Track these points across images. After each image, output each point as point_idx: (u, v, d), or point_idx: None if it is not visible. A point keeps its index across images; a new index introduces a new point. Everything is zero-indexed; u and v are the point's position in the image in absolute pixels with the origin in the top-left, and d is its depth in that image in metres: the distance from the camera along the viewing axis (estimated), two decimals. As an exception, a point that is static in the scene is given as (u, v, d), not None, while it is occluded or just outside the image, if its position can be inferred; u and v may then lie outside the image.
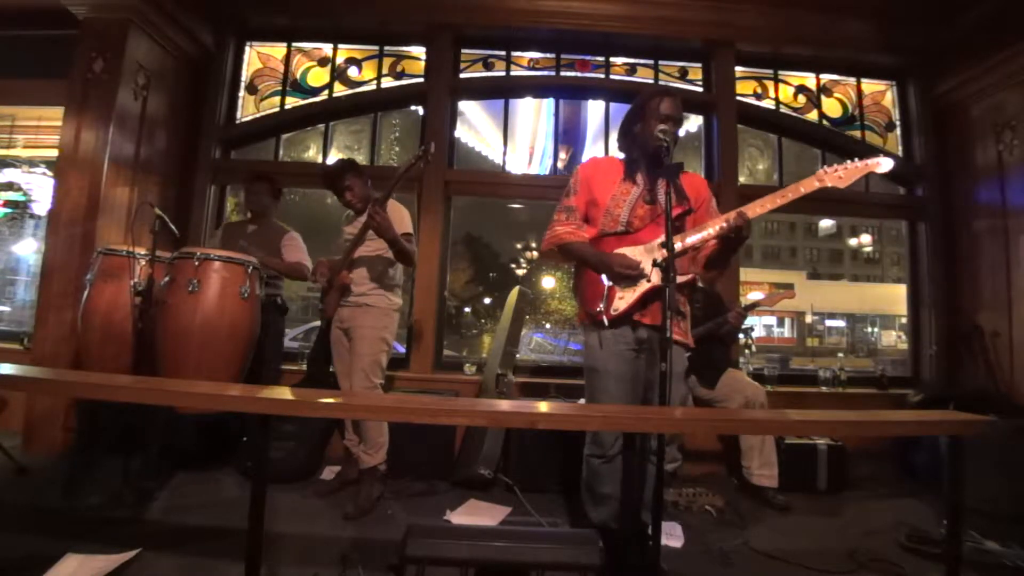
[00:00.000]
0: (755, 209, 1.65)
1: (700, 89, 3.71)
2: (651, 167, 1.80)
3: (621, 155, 1.93)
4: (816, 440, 2.74)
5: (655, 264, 1.69)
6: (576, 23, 3.53)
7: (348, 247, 2.38)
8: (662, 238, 1.68)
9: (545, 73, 3.73)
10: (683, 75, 3.74)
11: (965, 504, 1.46)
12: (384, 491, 2.40)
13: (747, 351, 3.59)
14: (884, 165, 1.58)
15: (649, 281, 1.71)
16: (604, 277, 1.76)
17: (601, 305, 1.74)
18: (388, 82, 3.70)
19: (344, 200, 2.48)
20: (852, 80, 3.80)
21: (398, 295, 2.49)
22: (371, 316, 2.37)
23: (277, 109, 3.68)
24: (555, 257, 1.91)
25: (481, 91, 3.80)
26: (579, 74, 3.73)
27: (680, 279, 1.67)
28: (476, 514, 2.30)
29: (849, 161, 1.62)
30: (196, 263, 2.15)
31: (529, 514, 2.29)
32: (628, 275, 1.71)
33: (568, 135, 3.85)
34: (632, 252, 1.76)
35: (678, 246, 1.66)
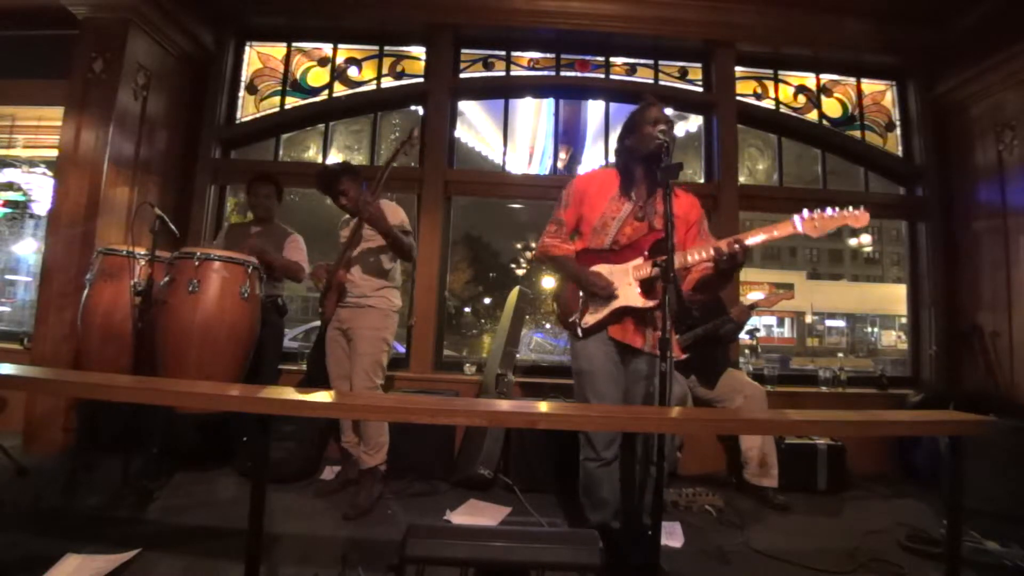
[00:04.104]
0: (744, 240, 1.57)
1: (700, 89, 3.71)
2: (649, 171, 1.81)
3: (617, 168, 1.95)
4: (816, 440, 2.74)
5: (655, 265, 1.70)
6: (576, 23, 3.53)
7: (343, 246, 2.38)
8: (639, 260, 1.75)
9: (545, 73, 3.73)
10: (683, 75, 3.73)
11: (965, 504, 1.46)
12: (384, 491, 2.40)
13: (747, 351, 3.59)
14: (861, 220, 1.51)
15: (630, 299, 1.75)
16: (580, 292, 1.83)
17: (575, 316, 1.82)
18: (388, 82, 3.70)
19: (339, 205, 2.49)
20: (852, 80, 3.80)
21: (397, 296, 2.49)
22: (371, 317, 2.37)
23: (277, 109, 3.68)
24: (545, 265, 1.99)
25: (481, 91, 3.80)
26: (579, 74, 3.73)
27: (652, 303, 1.71)
28: (476, 514, 2.31)
29: (829, 209, 1.54)
30: (196, 263, 2.15)
31: (529, 514, 2.29)
32: (599, 295, 1.77)
33: (568, 135, 3.84)
34: (609, 271, 1.79)
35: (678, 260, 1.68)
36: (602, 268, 1.80)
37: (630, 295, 1.74)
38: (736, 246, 1.54)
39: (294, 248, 2.81)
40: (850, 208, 1.54)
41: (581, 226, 1.90)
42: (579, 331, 1.80)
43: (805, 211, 1.55)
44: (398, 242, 2.29)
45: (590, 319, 1.80)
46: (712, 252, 1.59)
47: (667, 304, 1.50)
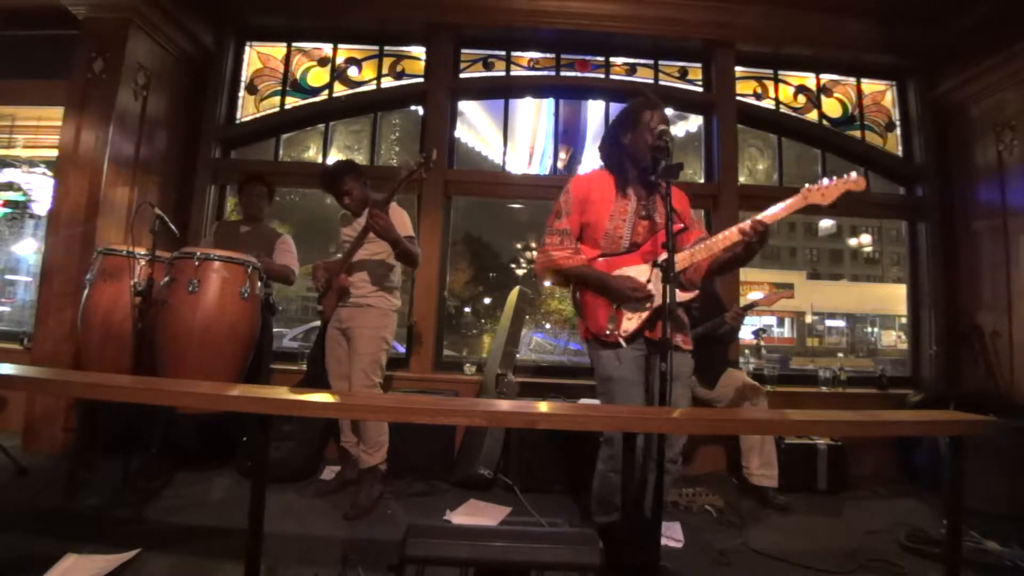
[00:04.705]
0: (764, 219, 1.64)
1: (700, 89, 3.71)
2: (644, 177, 1.80)
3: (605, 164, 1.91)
4: (816, 440, 2.74)
5: (655, 264, 1.70)
6: (576, 23, 3.53)
7: (347, 250, 2.38)
8: (665, 255, 1.70)
9: (545, 73, 3.73)
10: (683, 75, 3.73)
11: (965, 504, 1.46)
12: (384, 491, 2.40)
13: (747, 351, 3.58)
14: (860, 183, 1.63)
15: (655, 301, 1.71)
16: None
17: (610, 327, 1.75)
18: (388, 82, 3.70)
19: (342, 204, 2.48)
20: (852, 80, 3.80)
21: (397, 296, 2.50)
22: (371, 316, 2.37)
23: (277, 109, 3.68)
24: (550, 279, 1.91)
25: (481, 91, 3.80)
26: (579, 74, 3.72)
27: (685, 296, 1.71)
28: (476, 514, 2.31)
29: (827, 179, 1.64)
30: (196, 263, 2.15)
31: (529, 514, 2.29)
32: (638, 298, 1.71)
33: (568, 135, 3.84)
34: (636, 271, 1.76)
35: (683, 255, 1.69)
36: (629, 270, 1.77)
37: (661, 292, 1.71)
38: (760, 227, 1.59)
39: (284, 251, 2.79)
40: (847, 174, 1.64)
41: (589, 232, 1.83)
42: (621, 341, 1.73)
43: (809, 184, 1.65)
44: (405, 251, 2.29)
45: (629, 326, 1.74)
46: (736, 235, 1.63)
47: (666, 303, 1.50)
